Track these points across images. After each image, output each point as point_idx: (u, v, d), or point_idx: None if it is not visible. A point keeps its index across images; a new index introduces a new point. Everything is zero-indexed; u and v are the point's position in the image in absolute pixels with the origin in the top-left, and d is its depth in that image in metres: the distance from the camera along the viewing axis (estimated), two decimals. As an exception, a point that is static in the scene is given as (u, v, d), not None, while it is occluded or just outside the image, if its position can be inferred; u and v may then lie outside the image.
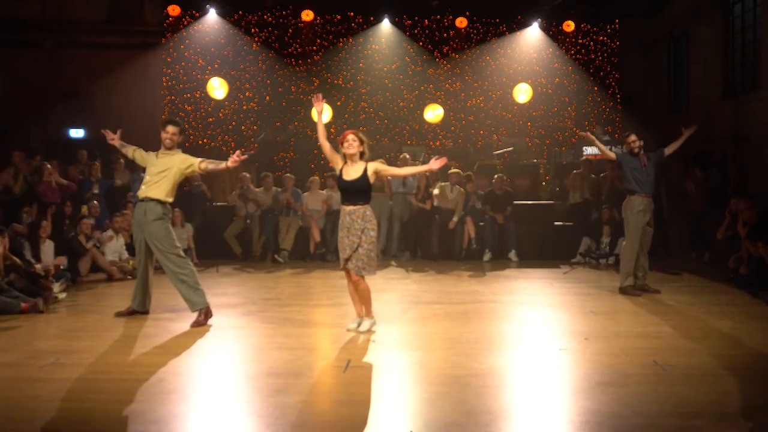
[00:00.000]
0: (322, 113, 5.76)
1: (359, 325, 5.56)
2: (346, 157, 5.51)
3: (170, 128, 6.11)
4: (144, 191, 6.08)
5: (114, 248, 8.93)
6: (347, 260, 5.40)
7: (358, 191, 5.40)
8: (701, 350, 4.99)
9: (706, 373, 4.41)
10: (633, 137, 7.46)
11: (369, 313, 5.60)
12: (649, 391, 4.00)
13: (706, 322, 6.03)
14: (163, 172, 6.04)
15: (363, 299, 5.54)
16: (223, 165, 6.03)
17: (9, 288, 6.52)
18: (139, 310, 6.23)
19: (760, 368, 4.58)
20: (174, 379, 4.28)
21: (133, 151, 6.36)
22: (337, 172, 5.55)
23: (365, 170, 5.41)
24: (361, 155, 5.51)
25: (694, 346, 5.13)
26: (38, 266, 7.44)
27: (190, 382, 4.28)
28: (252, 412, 3.71)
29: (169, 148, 6.13)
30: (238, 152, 6.04)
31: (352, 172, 5.44)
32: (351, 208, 5.40)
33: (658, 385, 4.11)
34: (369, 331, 5.49)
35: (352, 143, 5.44)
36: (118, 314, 6.20)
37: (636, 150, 7.41)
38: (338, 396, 4.06)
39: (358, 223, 5.35)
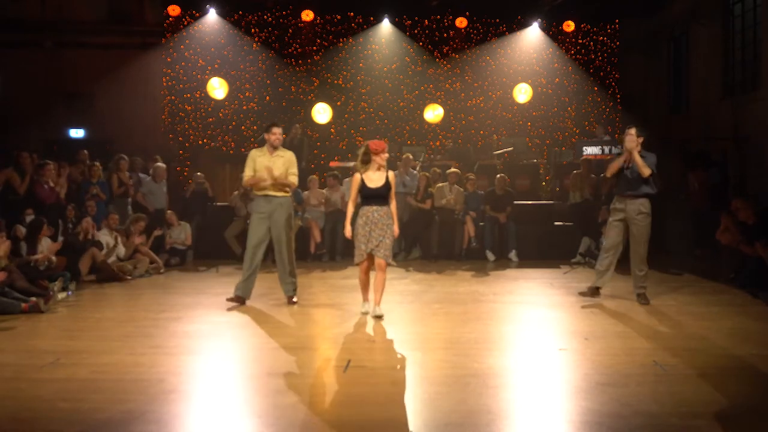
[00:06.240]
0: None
1: (372, 308, 6.10)
2: (365, 165, 6.11)
3: (276, 129, 6.69)
4: (275, 189, 6.61)
5: (105, 242, 8.91)
6: (376, 248, 5.98)
7: (383, 196, 6.12)
8: (701, 350, 4.99)
9: (706, 373, 4.40)
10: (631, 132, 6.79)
11: (379, 302, 6.10)
12: (649, 391, 4.00)
13: (706, 322, 6.03)
14: (284, 172, 6.63)
15: (381, 287, 6.10)
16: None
17: (9, 289, 6.52)
18: (245, 297, 6.64)
19: (760, 368, 4.57)
20: (174, 379, 4.28)
21: (252, 170, 6.76)
22: (358, 182, 6.12)
23: (387, 178, 6.12)
24: None
25: (694, 346, 5.14)
26: (39, 256, 7.53)
27: (190, 382, 4.28)
28: (252, 412, 3.71)
29: (277, 148, 6.71)
30: None
31: (377, 179, 6.11)
32: (376, 207, 6.08)
33: (658, 385, 4.11)
34: (379, 317, 5.96)
35: (383, 157, 6.14)
36: (229, 299, 6.56)
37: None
38: (338, 396, 4.05)
39: (385, 219, 6.07)
